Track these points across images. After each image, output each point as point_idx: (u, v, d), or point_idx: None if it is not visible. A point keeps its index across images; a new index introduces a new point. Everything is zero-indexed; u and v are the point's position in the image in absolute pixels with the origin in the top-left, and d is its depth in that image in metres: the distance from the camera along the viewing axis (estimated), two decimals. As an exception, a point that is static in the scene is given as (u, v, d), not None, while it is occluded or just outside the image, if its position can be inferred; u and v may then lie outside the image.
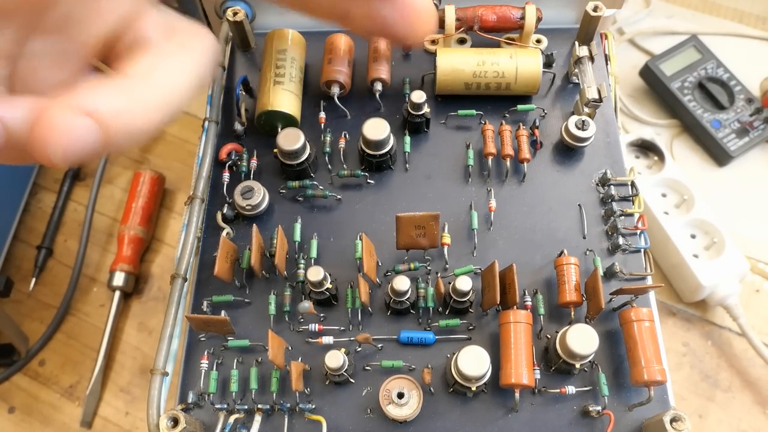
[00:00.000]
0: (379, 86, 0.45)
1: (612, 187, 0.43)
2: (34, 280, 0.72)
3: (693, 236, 0.68)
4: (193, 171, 0.44)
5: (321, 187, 0.43)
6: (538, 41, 0.49)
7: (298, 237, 0.42)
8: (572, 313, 0.39)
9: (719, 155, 0.74)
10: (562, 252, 0.40)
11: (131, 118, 0.21)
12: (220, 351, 0.39)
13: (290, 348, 0.39)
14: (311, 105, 0.47)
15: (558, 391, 0.37)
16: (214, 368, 0.38)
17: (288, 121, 0.44)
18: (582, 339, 0.35)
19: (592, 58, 0.45)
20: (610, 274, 0.40)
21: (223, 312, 0.40)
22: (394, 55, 0.48)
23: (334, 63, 0.45)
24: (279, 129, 0.43)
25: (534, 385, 0.36)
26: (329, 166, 0.44)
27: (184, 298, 0.40)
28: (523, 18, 0.45)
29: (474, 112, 0.46)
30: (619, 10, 0.48)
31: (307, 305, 0.37)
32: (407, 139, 0.44)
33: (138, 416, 0.66)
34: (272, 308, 0.40)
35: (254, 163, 0.44)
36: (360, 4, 0.30)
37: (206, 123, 0.45)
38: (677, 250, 0.66)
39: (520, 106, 0.45)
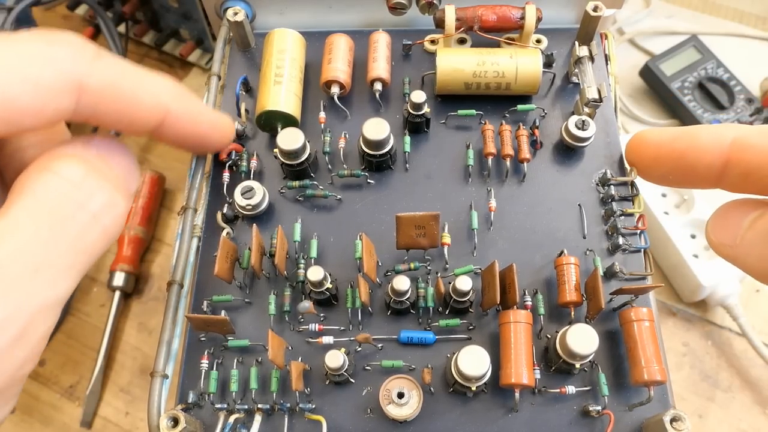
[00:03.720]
0: (379, 86, 0.45)
1: (612, 187, 0.43)
2: (34, 280, 0.72)
3: (693, 236, 0.68)
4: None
5: (321, 187, 0.43)
6: (538, 41, 0.49)
7: (298, 237, 0.41)
8: (572, 313, 0.39)
9: (719, 155, 0.74)
10: (562, 252, 0.40)
11: None
12: (220, 351, 0.39)
13: (290, 348, 0.39)
14: (311, 105, 0.47)
15: (558, 391, 0.37)
16: (214, 368, 0.38)
17: (288, 121, 0.44)
18: (582, 339, 0.35)
19: (592, 58, 0.45)
20: (610, 274, 0.40)
21: (223, 312, 0.40)
22: (394, 55, 0.48)
23: (334, 63, 0.45)
24: (279, 129, 0.43)
25: (534, 385, 0.36)
26: (329, 166, 0.44)
27: (184, 299, 0.40)
28: (523, 18, 0.45)
29: (474, 112, 0.46)
30: (619, 10, 0.48)
31: (307, 305, 0.37)
32: (407, 139, 0.44)
33: (138, 416, 0.66)
34: (272, 308, 0.40)
35: (254, 163, 0.44)
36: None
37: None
38: (677, 250, 0.66)
39: (520, 106, 0.45)
